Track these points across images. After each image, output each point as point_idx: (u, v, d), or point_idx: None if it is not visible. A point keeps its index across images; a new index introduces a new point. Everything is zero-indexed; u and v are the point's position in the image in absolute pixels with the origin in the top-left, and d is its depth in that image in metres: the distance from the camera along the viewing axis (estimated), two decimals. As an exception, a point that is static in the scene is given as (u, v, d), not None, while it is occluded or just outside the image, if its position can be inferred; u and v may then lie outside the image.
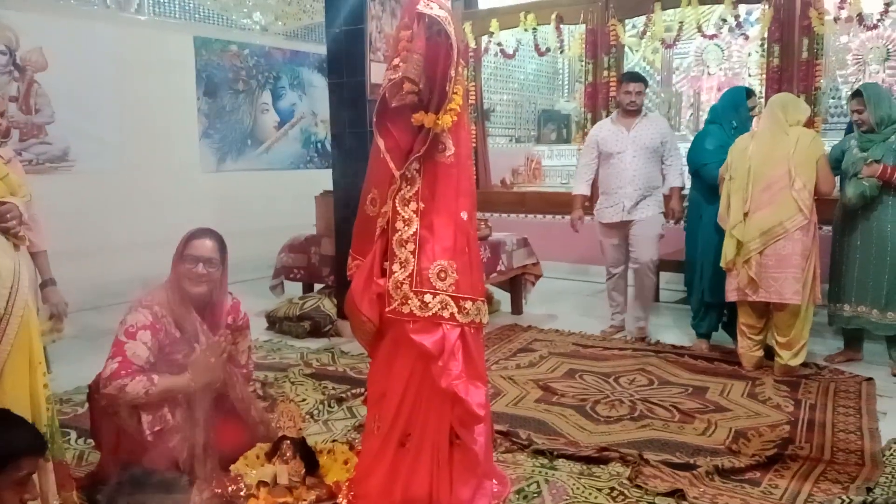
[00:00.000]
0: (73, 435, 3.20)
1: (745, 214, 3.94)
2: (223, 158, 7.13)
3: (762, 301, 3.95)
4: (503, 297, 5.73)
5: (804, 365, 4.06)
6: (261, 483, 2.42)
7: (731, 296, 4.09)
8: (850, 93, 4.75)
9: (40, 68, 5.59)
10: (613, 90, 6.98)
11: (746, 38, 6.87)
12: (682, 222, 4.96)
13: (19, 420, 1.96)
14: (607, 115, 7.08)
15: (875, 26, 6.12)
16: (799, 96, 5.95)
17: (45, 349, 3.96)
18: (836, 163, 4.13)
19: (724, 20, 6.59)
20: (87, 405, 2.93)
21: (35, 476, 2.07)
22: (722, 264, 4.08)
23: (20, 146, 5.48)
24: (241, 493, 2.37)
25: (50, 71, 5.63)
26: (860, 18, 5.76)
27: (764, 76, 6.26)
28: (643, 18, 6.77)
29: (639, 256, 4.76)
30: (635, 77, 4.85)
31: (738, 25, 6.45)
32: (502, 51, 7.73)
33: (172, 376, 2.48)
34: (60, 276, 5.33)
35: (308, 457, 2.55)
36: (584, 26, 7.06)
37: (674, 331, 5.07)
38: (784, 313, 3.92)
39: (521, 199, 7.73)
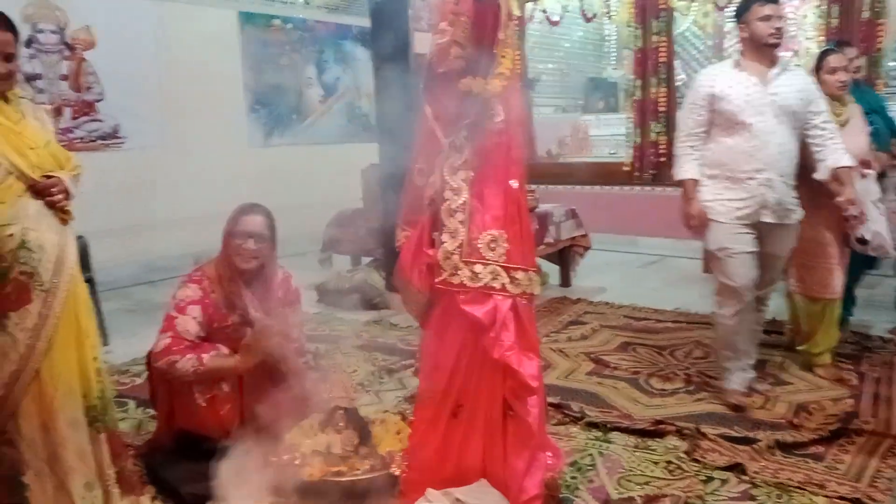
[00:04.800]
0: (132, 405, 3.27)
1: None
2: (270, 133, 7.17)
3: None
4: (551, 270, 5.66)
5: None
6: (315, 452, 2.43)
7: None
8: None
9: (89, 46, 5.68)
10: (663, 56, 6.79)
11: (804, -3, 6.60)
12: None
13: None
14: (657, 83, 6.93)
15: (946, -20, 5.79)
16: (859, 58, 5.70)
17: (103, 322, 4.10)
18: None
19: (781, -21, 6.32)
20: (144, 375, 2.99)
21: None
22: None
23: (72, 123, 5.59)
24: (296, 462, 2.38)
25: (98, 49, 5.71)
26: (929, -28, 5.48)
27: (821, 38, 6.00)
28: (695, -20, 6.54)
29: (771, 280, 3.26)
30: None
31: (796, -15, 6.20)
32: (548, 18, 7.58)
33: (221, 357, 2.51)
34: (114, 251, 5.45)
35: (361, 427, 2.55)
36: (632, -10, 6.86)
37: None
38: None
39: (568, 170, 7.62)
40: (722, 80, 3.08)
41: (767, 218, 3.05)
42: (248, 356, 2.52)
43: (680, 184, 3.20)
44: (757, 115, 3.00)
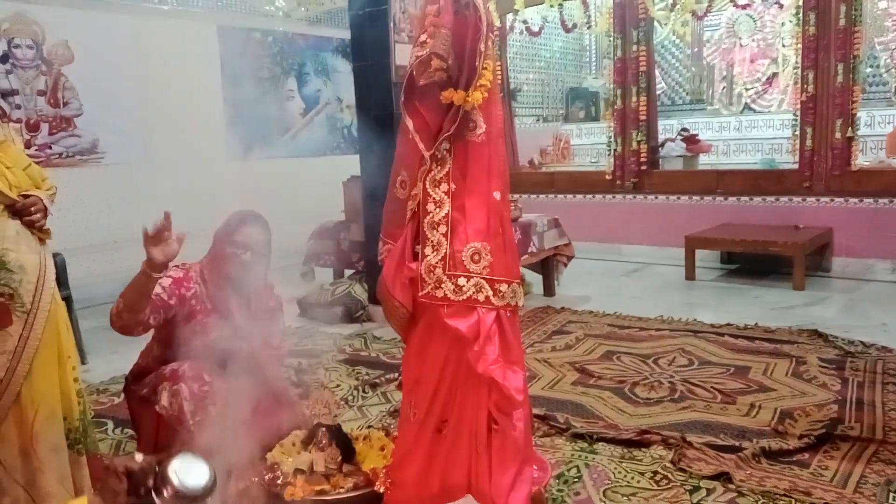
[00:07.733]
0: (111, 425, 3.21)
1: None
2: (250, 147, 7.12)
3: None
4: (535, 279, 5.66)
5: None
6: (297, 471, 2.39)
7: None
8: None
9: (67, 61, 5.61)
10: (643, 65, 6.84)
11: (780, 6, 6.70)
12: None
13: None
14: (637, 92, 6.96)
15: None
16: (836, 65, 5.78)
17: (81, 341, 4.03)
18: None
19: (757, -11, 6.41)
20: (123, 395, 2.94)
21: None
22: None
23: (50, 139, 5.52)
24: (278, 482, 2.34)
25: (76, 64, 5.65)
26: (901, -19, 5.56)
27: (798, 45, 6.08)
28: (673, -10, 6.62)
29: None
30: None
31: (772, -6, 6.28)
32: (528, 28, 7.62)
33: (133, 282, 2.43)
34: (94, 267, 5.36)
35: (344, 444, 2.51)
36: (611, 0, 6.92)
37: (711, 309, 4.95)
38: None
39: (550, 180, 7.64)
40: None
41: None
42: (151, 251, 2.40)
43: None
44: None
